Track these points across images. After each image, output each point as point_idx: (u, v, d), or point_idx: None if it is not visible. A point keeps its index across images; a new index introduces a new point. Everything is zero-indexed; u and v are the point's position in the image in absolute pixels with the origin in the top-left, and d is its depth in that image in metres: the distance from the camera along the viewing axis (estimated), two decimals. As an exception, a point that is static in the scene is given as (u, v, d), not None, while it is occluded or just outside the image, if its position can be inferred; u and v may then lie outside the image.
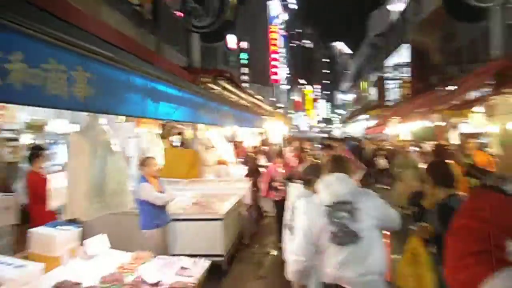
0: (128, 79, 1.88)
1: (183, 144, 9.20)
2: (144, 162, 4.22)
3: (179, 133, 10.91)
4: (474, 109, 7.43)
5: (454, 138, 9.59)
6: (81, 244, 3.58)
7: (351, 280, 2.18)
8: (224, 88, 7.12)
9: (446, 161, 5.06)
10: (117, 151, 2.31)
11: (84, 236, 3.62)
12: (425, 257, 2.49)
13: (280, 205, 5.67)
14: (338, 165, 2.53)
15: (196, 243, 4.66)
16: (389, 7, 20.53)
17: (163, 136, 7.40)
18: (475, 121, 7.54)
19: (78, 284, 2.83)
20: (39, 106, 1.52)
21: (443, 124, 9.49)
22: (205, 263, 3.55)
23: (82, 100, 1.46)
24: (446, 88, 9.59)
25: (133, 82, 1.89)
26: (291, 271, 2.43)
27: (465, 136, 8.71)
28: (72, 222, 3.92)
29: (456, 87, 8.99)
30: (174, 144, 8.95)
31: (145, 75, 2.05)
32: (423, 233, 2.62)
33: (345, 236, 2.21)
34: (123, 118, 3.98)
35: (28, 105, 1.44)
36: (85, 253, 3.49)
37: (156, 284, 3.03)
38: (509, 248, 0.81)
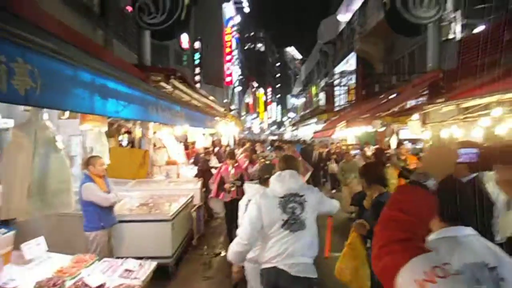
0: (75, 73, 1.81)
1: (132, 143, 8.88)
2: (89, 161, 4.04)
3: (128, 132, 10.50)
4: (412, 117, 8.10)
5: (393, 143, 10.35)
6: (16, 248, 3.33)
7: (293, 263, 2.48)
8: (176, 87, 7.00)
9: (383, 163, 5.49)
10: (60, 148, 2.19)
11: (19, 240, 3.37)
12: (361, 251, 2.71)
13: (230, 206, 5.72)
14: (289, 163, 2.83)
15: (143, 245, 4.53)
16: (338, 16, 21.56)
17: (111, 135, 7.09)
18: (412, 128, 8.21)
19: (11, 290, 2.64)
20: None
21: (384, 129, 10.21)
22: (151, 265, 3.49)
23: (23, 93, 1.39)
24: (387, 97, 10.33)
25: (79, 77, 1.82)
26: (232, 252, 2.65)
27: (400, 142, 9.45)
28: (4, 224, 3.63)
29: (395, 95, 9.73)
30: (122, 143, 8.61)
31: (93, 70, 1.99)
32: (360, 229, 2.85)
33: (295, 223, 2.54)
34: (67, 114, 3.76)
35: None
36: (21, 257, 3.25)
37: (99, 287, 2.92)
38: (428, 237, 0.93)
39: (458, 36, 8.38)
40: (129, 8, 8.57)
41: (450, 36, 8.63)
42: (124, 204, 5.22)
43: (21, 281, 2.79)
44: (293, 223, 2.54)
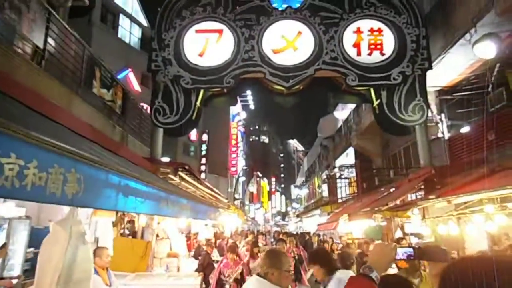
0: (106, 177, 2.21)
1: (134, 233, 8.97)
2: (96, 252, 4.21)
3: (131, 221, 10.63)
4: (413, 211, 8.30)
5: (398, 235, 10.28)
6: None
7: None
8: (183, 179, 7.45)
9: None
10: (88, 241, 2.47)
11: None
12: None
13: None
14: (273, 260, 2.43)
15: None
16: (335, 114, 23.20)
17: (114, 224, 7.28)
18: (414, 222, 8.34)
19: None
20: (38, 202, 1.79)
21: (386, 224, 10.27)
22: None
23: (70, 197, 1.76)
24: (386, 191, 10.66)
25: (109, 180, 2.21)
26: None
27: (401, 237, 9.41)
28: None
29: (393, 189, 10.05)
30: (124, 232, 8.70)
31: (119, 174, 2.39)
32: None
33: None
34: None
35: (31, 201, 1.70)
36: None
37: None
38: None
39: (445, 135, 9.09)
40: (146, 107, 9.59)
41: (439, 135, 9.35)
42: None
43: None
44: None
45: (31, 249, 6.72)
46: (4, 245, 5.13)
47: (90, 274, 2.61)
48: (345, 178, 18.25)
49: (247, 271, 5.97)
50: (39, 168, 1.52)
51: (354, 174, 17.55)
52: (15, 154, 1.41)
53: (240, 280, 5.74)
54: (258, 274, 2.43)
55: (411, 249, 1.35)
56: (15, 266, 6.35)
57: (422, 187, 8.62)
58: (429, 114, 8.40)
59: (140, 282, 6.27)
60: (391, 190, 10.08)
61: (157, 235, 8.21)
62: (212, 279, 6.01)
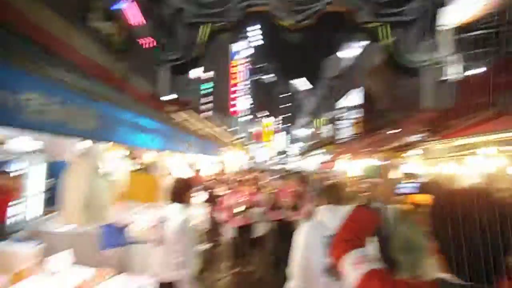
0: (119, 113, 2.29)
1: (143, 170, 9.31)
2: (111, 184, 4.45)
3: (138, 158, 10.97)
4: (413, 152, 8.49)
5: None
6: (43, 262, 3.70)
7: None
8: (188, 117, 7.56)
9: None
10: (103, 173, 2.64)
11: (47, 254, 3.74)
12: None
13: (240, 231, 6.12)
14: (337, 194, 2.37)
15: (151, 265, 4.83)
16: (341, 54, 22.51)
17: (125, 161, 7.55)
18: (414, 163, 8.57)
19: (41, 297, 2.98)
20: (60, 135, 1.88)
21: (386, 163, 10.56)
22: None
23: (88, 131, 1.86)
24: (389, 131, 10.78)
25: (124, 118, 2.30)
26: None
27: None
28: (32, 239, 4.03)
29: (397, 131, 10.17)
30: (133, 167, 9.04)
31: (130, 110, 2.47)
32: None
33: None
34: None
35: (54, 135, 1.79)
36: (48, 269, 3.62)
37: (118, 298, 3.25)
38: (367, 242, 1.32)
39: (455, 77, 8.91)
40: (148, 44, 9.34)
41: (448, 77, 9.17)
42: (136, 226, 5.57)
43: (49, 289, 3.14)
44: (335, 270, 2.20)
45: (50, 180, 7.09)
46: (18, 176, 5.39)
47: (107, 203, 2.82)
48: (349, 119, 18.33)
49: (252, 203, 6.35)
50: (59, 104, 1.59)
51: (358, 116, 17.59)
52: (35, 90, 1.46)
53: (245, 211, 6.15)
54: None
55: (417, 184, 1.45)
56: (35, 198, 6.76)
57: (425, 129, 8.70)
58: (440, 54, 8.17)
59: (151, 212, 6.69)
60: (394, 131, 10.21)
61: (166, 171, 8.52)
62: (222, 210, 6.34)
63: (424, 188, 1.46)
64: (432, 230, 1.05)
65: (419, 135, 8.35)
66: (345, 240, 1.22)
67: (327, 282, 2.14)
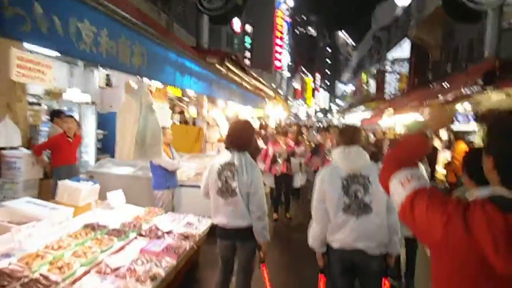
0: (166, 53, 2.34)
1: (185, 122, 9.64)
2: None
3: (181, 112, 11.32)
4: (463, 104, 7.94)
5: (444, 134, 10.13)
6: (99, 199, 4.09)
7: (360, 248, 2.28)
8: (229, 70, 7.53)
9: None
10: (155, 111, 2.78)
11: (100, 194, 4.13)
12: None
13: (279, 179, 6.28)
14: (354, 136, 2.43)
15: (198, 207, 5.16)
16: (395, 0, 20.73)
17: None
18: (463, 118, 8.06)
19: (104, 226, 3.34)
20: (112, 69, 1.99)
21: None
22: (207, 221, 4.08)
23: (137, 67, 1.93)
24: (440, 85, 10.07)
25: (168, 57, 2.35)
26: (309, 237, 2.50)
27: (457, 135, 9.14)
28: (90, 179, 4.44)
29: (448, 84, 9.48)
30: (175, 122, 9.39)
31: (177, 51, 2.51)
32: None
33: (359, 208, 2.26)
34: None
35: (108, 67, 1.90)
36: (105, 205, 4.01)
37: (169, 232, 3.56)
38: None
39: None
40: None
41: (514, 23, 8.23)
42: (183, 172, 5.90)
43: (109, 222, 3.49)
44: (356, 208, 2.26)
45: (100, 131, 7.63)
46: (78, 123, 5.80)
47: (160, 140, 2.99)
48: (396, 73, 17.30)
49: (292, 154, 6.42)
50: (109, 37, 1.65)
51: (406, 69, 16.54)
52: (88, 21, 1.52)
53: (287, 160, 6.25)
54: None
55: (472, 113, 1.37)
56: (90, 145, 7.34)
57: (481, 82, 8.01)
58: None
59: (196, 161, 7.02)
60: (444, 84, 9.53)
61: (208, 123, 8.76)
62: (261, 162, 6.47)
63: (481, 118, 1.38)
64: (487, 147, 1.01)
65: (472, 88, 7.74)
66: (395, 159, 1.22)
67: (345, 219, 2.29)
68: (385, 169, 1.23)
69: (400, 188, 1.12)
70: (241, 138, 2.72)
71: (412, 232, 1.13)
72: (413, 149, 1.26)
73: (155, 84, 3.70)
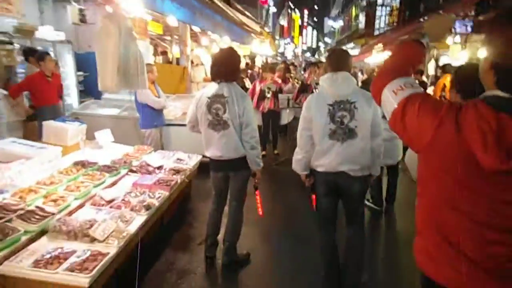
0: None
1: (169, 63, 9.28)
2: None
3: (164, 53, 10.85)
4: (454, 39, 7.81)
5: (431, 69, 10.08)
6: (86, 138, 4.06)
7: (343, 171, 2.35)
8: (213, 2, 7.10)
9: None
10: (136, 37, 2.63)
11: (88, 134, 4.09)
12: None
13: (267, 116, 6.28)
14: (342, 62, 2.41)
15: (186, 145, 5.19)
16: None
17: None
18: (453, 52, 7.97)
19: (94, 163, 3.36)
20: None
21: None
22: (197, 157, 4.15)
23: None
24: (430, 17, 9.78)
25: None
26: (293, 161, 2.55)
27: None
28: (76, 119, 4.36)
29: (440, 13, 9.20)
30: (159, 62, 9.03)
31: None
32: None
33: (344, 133, 2.31)
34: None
35: None
36: (93, 144, 3.99)
37: (159, 167, 3.61)
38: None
39: None
40: None
41: None
42: (170, 111, 5.84)
43: (99, 159, 3.51)
44: (342, 133, 2.30)
45: (81, 73, 7.33)
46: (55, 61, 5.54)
47: (143, 69, 2.88)
48: (387, 5, 16.66)
49: (279, 90, 6.36)
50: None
51: (397, 1, 15.91)
52: None
53: (275, 96, 6.20)
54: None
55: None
56: (71, 87, 7.09)
57: (472, 13, 7.83)
58: None
59: (182, 101, 6.91)
60: (436, 15, 9.25)
61: (192, 62, 8.48)
62: (253, 95, 6.38)
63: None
64: (487, 44, 0.98)
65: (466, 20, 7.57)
66: (389, 69, 1.20)
67: (331, 144, 2.35)
68: (378, 79, 1.20)
69: (392, 96, 1.11)
70: (227, 65, 2.65)
71: (402, 140, 1.14)
72: (408, 57, 1.24)
73: (133, 15, 3.47)
